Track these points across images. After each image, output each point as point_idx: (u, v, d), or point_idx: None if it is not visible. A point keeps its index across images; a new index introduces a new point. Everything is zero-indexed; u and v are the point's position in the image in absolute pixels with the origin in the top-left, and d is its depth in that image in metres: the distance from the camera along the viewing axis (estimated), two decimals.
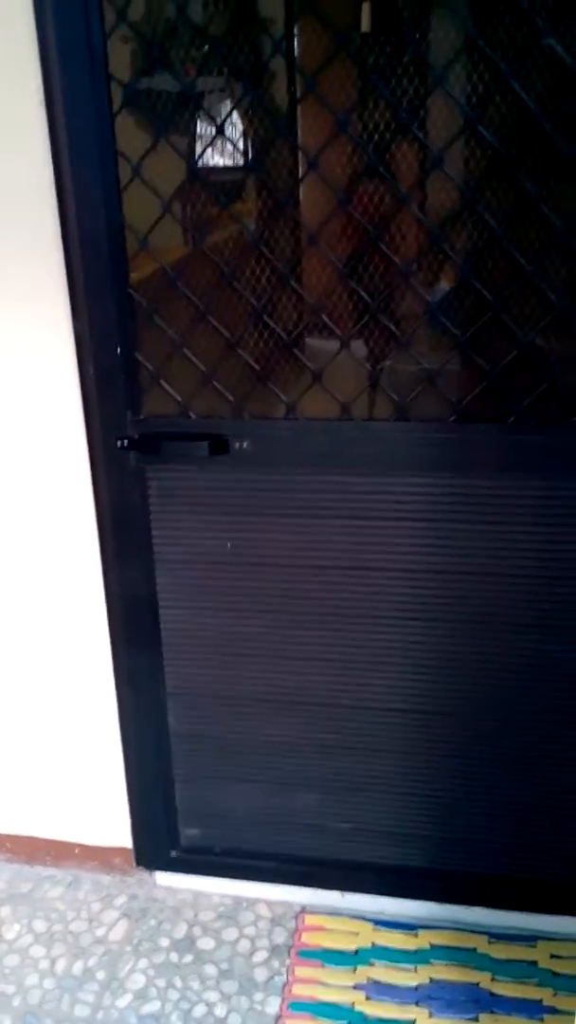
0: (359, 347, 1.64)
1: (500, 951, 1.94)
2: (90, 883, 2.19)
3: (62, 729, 2.08)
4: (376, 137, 1.48)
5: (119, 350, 1.64)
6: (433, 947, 1.96)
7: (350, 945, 1.97)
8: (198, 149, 1.61)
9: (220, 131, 1.54)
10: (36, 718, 2.08)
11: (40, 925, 2.10)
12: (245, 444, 1.66)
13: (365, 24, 1.38)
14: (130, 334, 1.65)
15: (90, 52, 1.45)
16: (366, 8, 1.38)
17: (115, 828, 2.14)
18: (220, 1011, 1.87)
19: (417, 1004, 1.84)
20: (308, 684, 1.86)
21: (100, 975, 1.97)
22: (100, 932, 2.07)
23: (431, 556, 1.71)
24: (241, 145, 1.60)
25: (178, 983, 1.93)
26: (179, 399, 1.70)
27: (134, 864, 2.15)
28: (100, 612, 1.91)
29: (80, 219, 1.55)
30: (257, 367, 1.65)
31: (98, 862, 2.19)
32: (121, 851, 2.16)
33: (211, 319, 1.64)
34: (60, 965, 2.00)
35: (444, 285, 1.62)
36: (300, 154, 1.54)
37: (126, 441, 1.70)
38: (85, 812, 2.16)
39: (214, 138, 1.55)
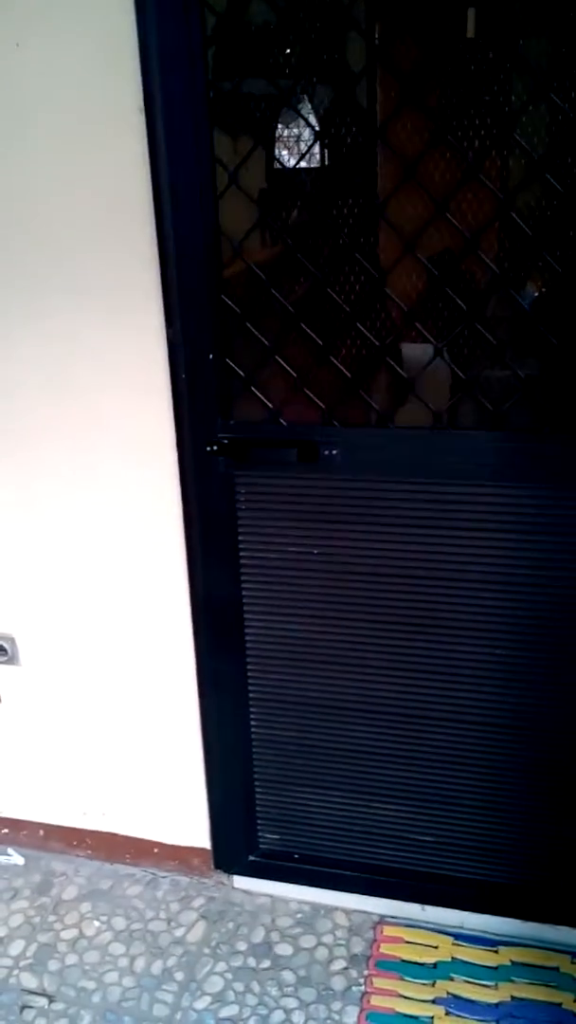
0: (450, 354, 1.62)
1: None
2: (168, 883, 2.21)
3: (146, 729, 2.10)
4: (476, 143, 1.45)
5: (211, 356, 1.65)
6: (514, 964, 1.93)
7: (429, 958, 1.95)
8: (286, 153, 1.61)
9: (317, 134, 1.53)
10: (121, 717, 2.11)
11: (120, 923, 2.12)
12: (335, 451, 1.66)
13: (471, 30, 1.36)
14: (222, 340, 1.65)
15: (190, 58, 1.46)
16: (471, 14, 1.36)
17: (194, 829, 2.15)
18: (298, 1018, 1.86)
19: (498, 1022, 1.81)
20: (391, 693, 1.84)
21: (179, 976, 1.98)
22: (179, 933, 2.09)
23: (519, 569, 1.68)
24: (333, 149, 1.59)
25: (256, 988, 1.93)
26: (270, 405, 1.69)
27: (212, 866, 2.17)
28: (185, 616, 1.92)
29: (176, 225, 1.56)
30: (348, 374, 1.64)
31: (177, 862, 2.21)
32: (200, 852, 2.17)
33: (303, 326, 1.63)
34: (139, 964, 2.02)
35: (533, 290, 1.59)
36: (392, 159, 1.52)
37: (216, 446, 1.71)
38: (165, 812, 2.18)
39: (313, 142, 1.54)
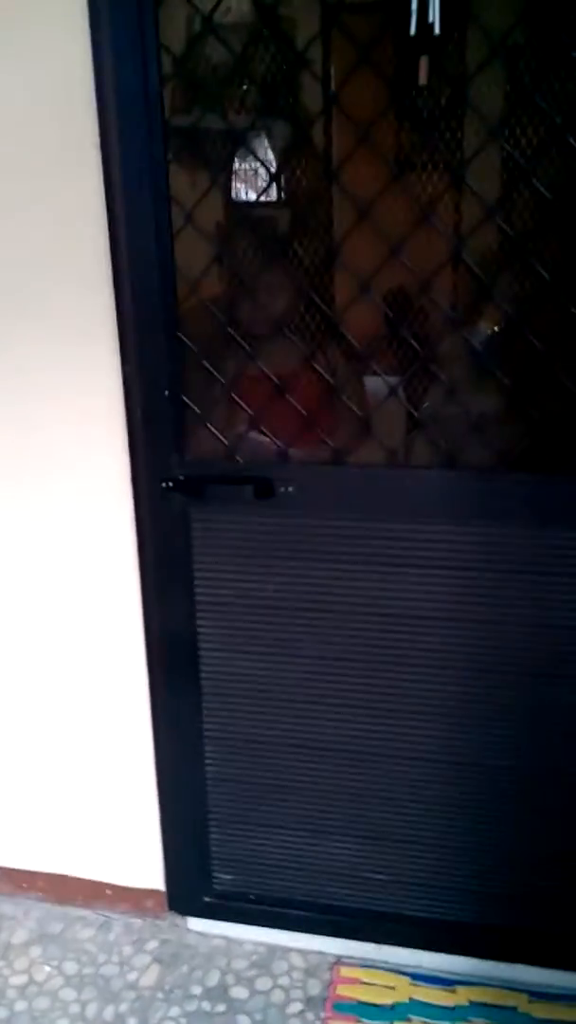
0: (405, 391, 1.63)
1: (541, 1010, 1.89)
2: (121, 925, 2.17)
3: (97, 768, 2.06)
4: (428, 187, 1.48)
5: (166, 392, 1.64)
6: (472, 1004, 1.91)
7: (387, 999, 1.93)
8: (242, 189, 1.62)
9: (272, 172, 1.55)
10: (72, 756, 2.07)
11: (71, 967, 2.08)
12: (290, 488, 1.65)
13: (423, 78, 1.39)
14: (177, 376, 1.65)
15: (146, 97, 1.46)
16: (424, 62, 1.39)
17: (148, 870, 2.12)
18: None
19: None
20: (346, 731, 1.83)
21: (132, 1021, 1.94)
22: (132, 977, 2.04)
23: (473, 606, 1.69)
24: (289, 186, 1.61)
25: None
26: (225, 442, 1.69)
27: (167, 908, 2.13)
28: (139, 653, 1.90)
29: (132, 261, 1.56)
30: (303, 411, 1.64)
31: (130, 904, 2.17)
32: (154, 894, 2.13)
33: (258, 363, 1.63)
34: (91, 1009, 1.97)
35: (487, 328, 1.61)
36: (347, 198, 1.54)
37: (171, 483, 1.69)
38: (118, 853, 2.14)
39: (269, 183, 1.55)
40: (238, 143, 1.58)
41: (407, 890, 1.93)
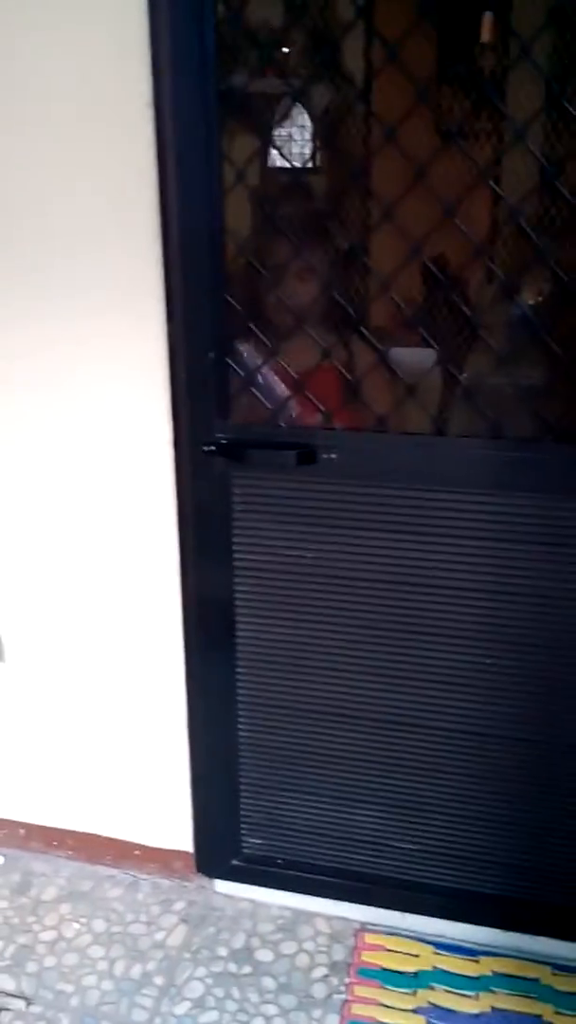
0: (451, 360, 1.61)
1: (564, 983, 1.90)
2: (150, 886, 2.19)
3: (131, 729, 2.08)
4: (485, 147, 1.45)
5: (211, 354, 1.64)
6: (495, 974, 1.92)
7: (410, 967, 1.94)
8: (290, 153, 1.61)
9: (317, 134, 1.53)
10: (106, 717, 2.09)
11: (99, 925, 2.10)
12: (333, 455, 1.65)
13: (487, 35, 1.36)
14: (223, 339, 1.64)
15: (201, 56, 1.45)
16: (487, 19, 1.36)
17: (177, 832, 2.14)
18: None
19: None
20: (378, 700, 1.84)
21: (158, 980, 1.96)
22: (159, 936, 2.07)
23: (512, 578, 1.69)
24: (334, 149, 1.59)
25: (236, 994, 1.92)
26: (269, 406, 1.68)
27: (195, 869, 2.15)
28: (176, 615, 1.91)
29: (182, 222, 1.54)
30: (349, 376, 1.63)
31: (158, 865, 2.19)
32: (182, 855, 2.15)
33: (305, 327, 1.62)
34: (119, 967, 2.00)
35: (529, 298, 1.59)
36: (392, 160, 1.52)
37: (213, 446, 1.69)
38: (148, 814, 2.16)
39: (314, 144, 1.54)
40: (285, 103, 1.56)
41: (432, 859, 1.95)
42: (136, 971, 1.99)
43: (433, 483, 1.64)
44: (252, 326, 1.64)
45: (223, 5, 1.44)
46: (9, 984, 1.97)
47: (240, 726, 1.94)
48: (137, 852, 2.19)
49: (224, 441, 1.69)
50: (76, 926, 2.10)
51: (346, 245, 1.58)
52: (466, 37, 1.43)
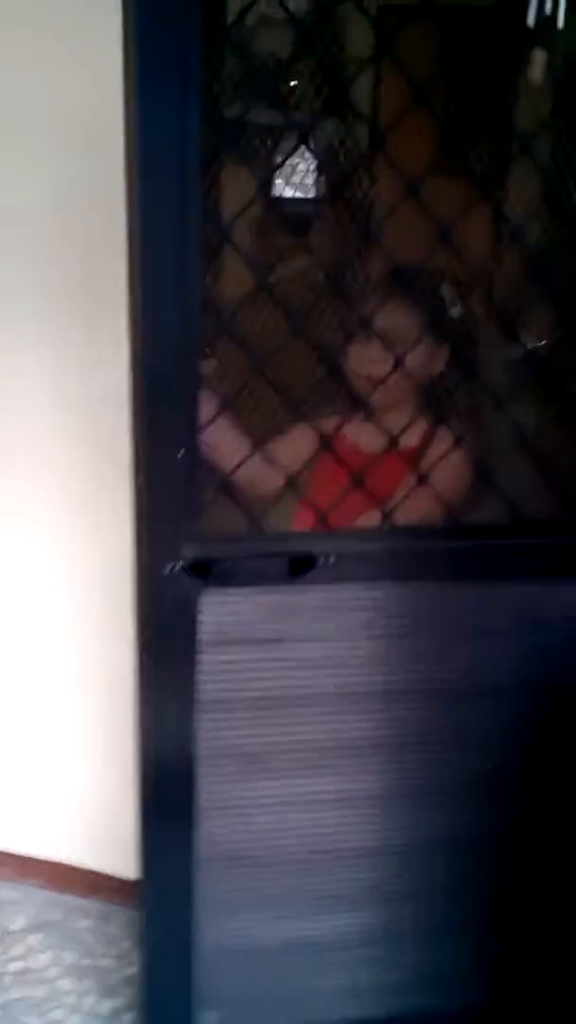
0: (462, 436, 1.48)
1: None
2: (122, 918, 2.15)
3: (105, 759, 2.05)
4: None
5: (181, 452, 1.28)
6: None
7: None
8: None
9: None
10: (78, 744, 2.05)
11: (69, 957, 2.06)
12: (332, 559, 1.36)
13: (537, 75, 1.33)
14: (194, 435, 1.30)
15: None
16: (539, 56, 1.33)
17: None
18: None
19: None
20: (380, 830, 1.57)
21: (126, 1018, 1.93)
22: (129, 971, 2.03)
23: (536, 674, 1.51)
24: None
25: None
26: (252, 512, 1.39)
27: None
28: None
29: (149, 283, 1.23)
30: (350, 467, 1.43)
31: (131, 897, 2.15)
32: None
33: (300, 410, 1.47)
34: (88, 1001, 1.96)
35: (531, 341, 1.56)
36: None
37: (179, 564, 1.32)
38: (122, 845, 2.12)
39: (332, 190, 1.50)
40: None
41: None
42: (105, 1007, 1.96)
43: (444, 578, 1.44)
44: (233, 414, 1.43)
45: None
46: None
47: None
48: (110, 883, 2.15)
49: (193, 557, 1.33)
50: (44, 958, 2.06)
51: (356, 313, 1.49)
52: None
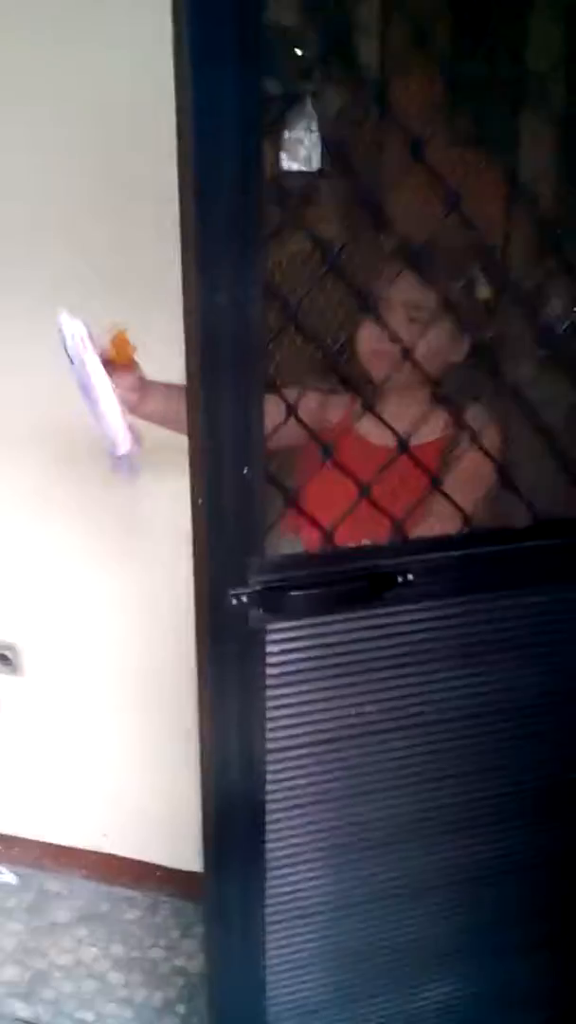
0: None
1: None
2: (169, 908, 2.13)
3: (150, 745, 2.02)
4: None
5: (247, 471, 1.12)
6: None
7: None
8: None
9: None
10: (125, 732, 2.02)
11: (118, 949, 2.05)
12: (410, 576, 1.21)
13: None
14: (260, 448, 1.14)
15: None
16: None
17: (199, 853, 2.07)
18: None
19: None
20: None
21: (180, 1009, 1.91)
22: (179, 962, 2.02)
23: None
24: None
25: None
26: (323, 528, 1.21)
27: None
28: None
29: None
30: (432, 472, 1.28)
31: (178, 887, 2.13)
32: (203, 877, 2.09)
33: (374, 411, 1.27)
34: (139, 994, 1.95)
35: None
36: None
37: (245, 596, 1.16)
38: (168, 834, 2.09)
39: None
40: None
41: None
42: (157, 998, 1.94)
43: (536, 580, 1.30)
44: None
45: None
46: (25, 1011, 1.91)
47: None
48: (157, 873, 2.13)
49: (259, 586, 1.17)
50: (94, 951, 2.04)
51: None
52: None
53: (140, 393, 1.33)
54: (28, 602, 1.97)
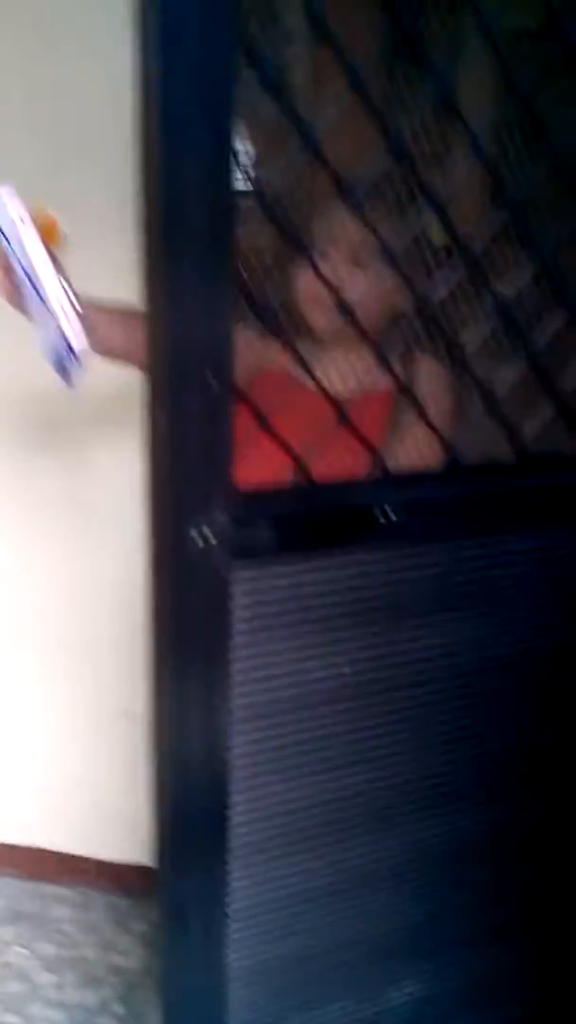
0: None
1: None
2: (103, 904, 1.98)
3: (78, 722, 1.86)
4: None
5: (212, 379, 0.98)
6: None
7: None
8: None
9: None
10: (49, 709, 1.86)
11: (47, 949, 1.89)
12: (392, 514, 1.08)
13: None
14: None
15: None
16: None
17: (134, 843, 1.93)
18: None
19: None
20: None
21: (117, 1009, 1.77)
22: (115, 960, 1.87)
23: None
24: None
25: None
26: (296, 455, 1.07)
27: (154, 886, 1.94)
28: None
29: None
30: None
31: (113, 881, 1.98)
32: (141, 870, 1.95)
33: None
34: (71, 995, 1.79)
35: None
36: None
37: (209, 530, 1.03)
38: (101, 824, 1.94)
39: None
40: None
41: None
42: (91, 999, 1.79)
43: (526, 523, 1.18)
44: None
45: None
46: None
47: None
48: (88, 868, 1.97)
49: (227, 518, 1.02)
50: (22, 951, 1.88)
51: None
52: None
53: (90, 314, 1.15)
54: None
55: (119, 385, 1.51)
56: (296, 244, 1.07)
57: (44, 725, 1.89)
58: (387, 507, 1.07)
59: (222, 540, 1.01)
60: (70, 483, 1.72)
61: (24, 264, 1.06)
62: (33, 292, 1.07)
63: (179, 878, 1.20)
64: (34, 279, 1.06)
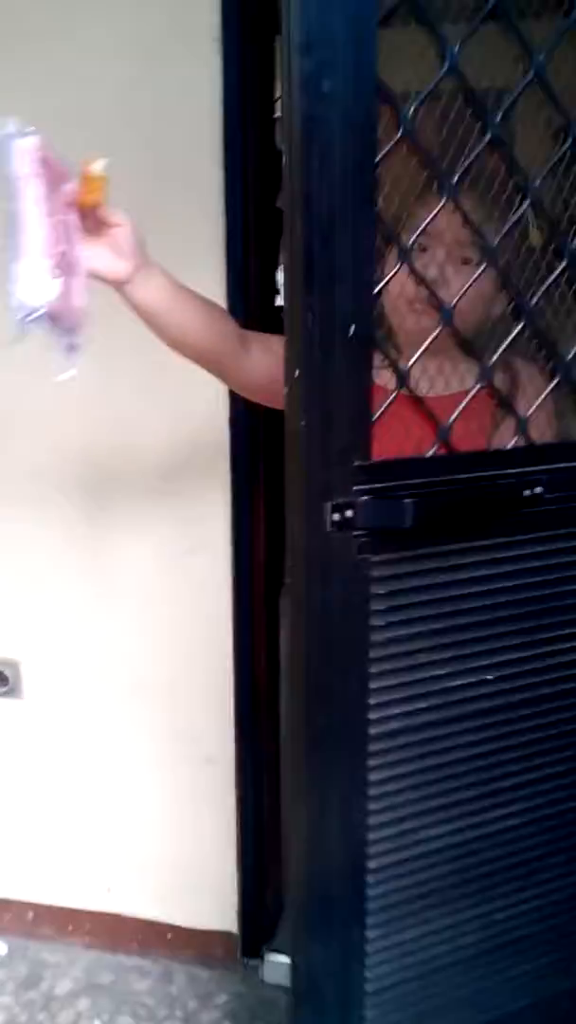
0: None
1: None
2: (184, 976, 1.86)
3: (155, 785, 1.80)
4: None
5: (352, 329, 0.91)
6: None
7: None
8: None
9: None
10: (130, 773, 1.79)
11: (125, 1023, 1.77)
12: (538, 490, 1.02)
13: None
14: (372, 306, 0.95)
15: None
16: None
17: (218, 909, 1.82)
18: None
19: None
20: None
21: None
22: None
23: None
24: None
25: None
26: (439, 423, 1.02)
27: (239, 955, 1.83)
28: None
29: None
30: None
31: (195, 951, 1.86)
32: (224, 937, 1.84)
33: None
34: None
35: None
36: None
37: (347, 512, 0.94)
38: (182, 888, 1.85)
39: None
40: None
41: None
42: None
43: None
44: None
45: None
46: None
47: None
48: (169, 935, 1.87)
49: (364, 498, 0.94)
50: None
51: None
52: None
53: (134, 265, 1.03)
54: (29, 618, 1.76)
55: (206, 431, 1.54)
56: (397, 244, 0.99)
57: (124, 781, 1.82)
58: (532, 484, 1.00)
59: (360, 515, 0.94)
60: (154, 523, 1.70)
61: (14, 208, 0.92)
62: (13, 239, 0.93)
63: (313, 946, 1.08)
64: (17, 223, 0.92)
